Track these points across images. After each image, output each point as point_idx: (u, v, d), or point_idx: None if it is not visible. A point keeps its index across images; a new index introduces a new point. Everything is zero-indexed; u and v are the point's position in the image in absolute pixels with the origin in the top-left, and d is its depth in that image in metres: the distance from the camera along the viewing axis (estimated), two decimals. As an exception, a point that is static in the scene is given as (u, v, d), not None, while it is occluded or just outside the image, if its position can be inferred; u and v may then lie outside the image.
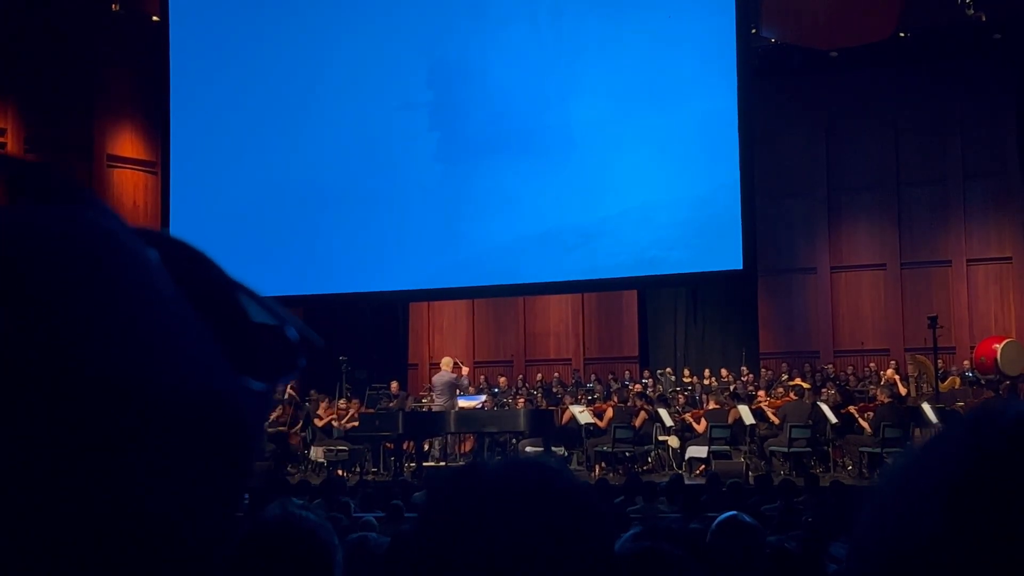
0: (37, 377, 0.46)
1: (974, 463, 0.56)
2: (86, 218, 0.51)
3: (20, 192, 0.50)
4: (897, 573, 0.57)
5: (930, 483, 0.57)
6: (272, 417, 17.56)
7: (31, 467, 0.45)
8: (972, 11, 18.34)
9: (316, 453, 17.09)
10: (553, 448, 16.25)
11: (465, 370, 18.78)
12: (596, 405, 17.61)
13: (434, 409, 16.85)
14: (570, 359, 23.09)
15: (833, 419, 16.03)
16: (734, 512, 3.63)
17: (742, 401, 16.87)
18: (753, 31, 18.00)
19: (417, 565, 1.17)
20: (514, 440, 16.60)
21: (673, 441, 16.68)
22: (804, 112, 22.14)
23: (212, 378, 0.51)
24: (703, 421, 16.50)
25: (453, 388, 16.90)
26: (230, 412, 0.51)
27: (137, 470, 0.47)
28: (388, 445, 16.81)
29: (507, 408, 17.97)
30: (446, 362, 17.56)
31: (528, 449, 15.86)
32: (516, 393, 19.47)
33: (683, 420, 16.87)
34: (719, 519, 3.53)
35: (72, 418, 0.46)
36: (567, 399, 18.33)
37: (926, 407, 15.72)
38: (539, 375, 21.65)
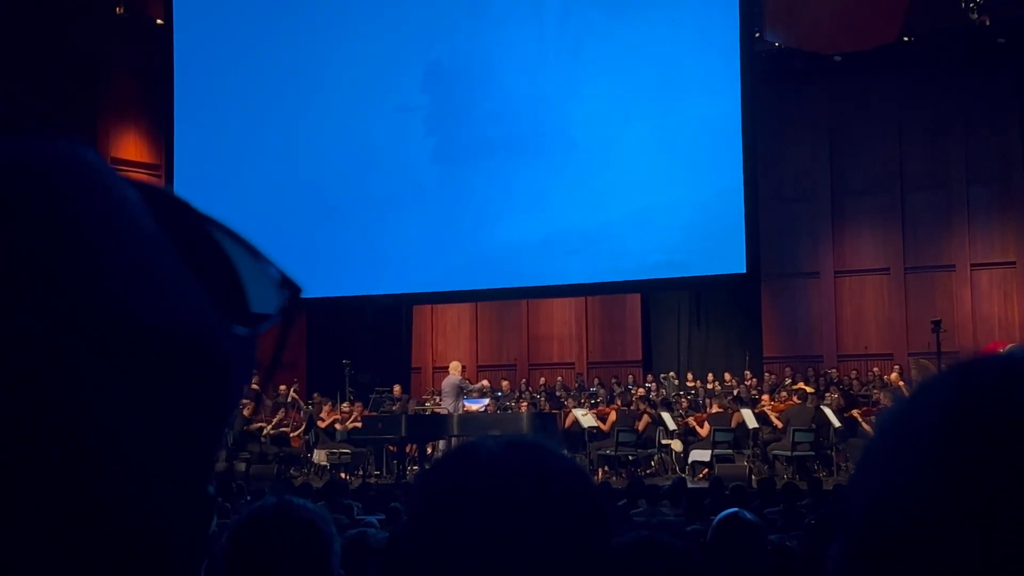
0: (12, 306, 0.45)
1: (959, 406, 0.55)
2: (67, 150, 0.51)
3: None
4: (885, 519, 0.56)
5: (916, 428, 0.57)
6: (275, 420, 17.58)
7: (4, 398, 0.45)
8: (976, 15, 18.33)
9: (319, 456, 17.09)
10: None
11: (484, 383, 18.87)
12: (599, 408, 17.59)
13: (439, 412, 16.85)
14: (573, 363, 23.07)
15: (836, 423, 16.01)
16: (735, 509, 3.61)
17: (745, 405, 16.85)
18: (756, 35, 17.99)
19: (413, 544, 1.16)
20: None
21: (676, 445, 16.66)
22: (807, 116, 22.13)
23: (193, 316, 0.51)
24: (706, 425, 16.49)
25: (459, 391, 16.91)
26: (211, 351, 0.51)
27: (112, 401, 0.47)
28: (391, 448, 16.80)
29: (510, 412, 17.94)
30: (454, 366, 17.59)
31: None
32: (519, 397, 19.44)
33: (686, 424, 16.85)
34: (720, 516, 3.51)
35: (46, 346, 0.45)
36: (570, 403, 18.31)
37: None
38: (542, 379, 21.62)
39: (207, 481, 0.52)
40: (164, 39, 19.37)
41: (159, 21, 19.90)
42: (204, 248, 0.56)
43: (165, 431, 0.49)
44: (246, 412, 17.60)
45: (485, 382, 19.77)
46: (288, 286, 0.57)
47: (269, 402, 18.52)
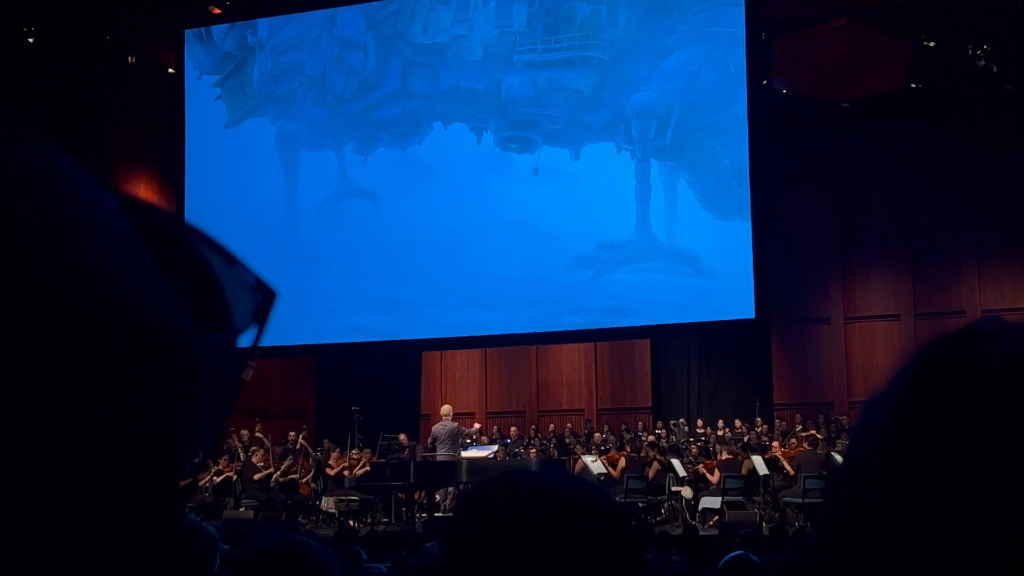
0: None
1: (912, 384, 0.56)
2: (28, 151, 0.51)
3: None
4: (850, 502, 0.56)
5: (878, 412, 0.57)
6: (284, 467, 17.52)
7: None
8: (983, 62, 18.42)
9: (327, 503, 17.02)
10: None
11: (476, 425, 18.79)
12: (609, 455, 17.51)
13: (439, 459, 16.68)
14: (583, 409, 23.00)
15: (847, 469, 15.90)
16: (741, 552, 3.59)
17: (755, 451, 16.76)
18: (764, 82, 18.09)
19: (456, 569, 1.19)
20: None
21: (686, 492, 16.57)
22: (816, 162, 22.17)
23: (160, 316, 0.51)
24: (716, 472, 16.40)
25: (456, 437, 16.77)
26: (177, 350, 0.51)
27: (68, 392, 0.47)
28: (400, 495, 16.71)
29: (519, 458, 17.86)
30: (446, 410, 17.42)
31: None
32: (528, 443, 19.37)
33: (696, 471, 16.76)
34: (727, 557, 3.49)
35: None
36: (579, 449, 18.23)
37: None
38: (551, 425, 21.55)
39: (174, 494, 0.51)
40: (176, 87, 19.50)
41: (171, 70, 20.04)
42: (184, 257, 0.56)
43: (124, 426, 0.48)
44: (255, 459, 17.64)
45: (477, 424, 19.91)
46: (262, 290, 0.58)
47: (278, 449, 18.48)
